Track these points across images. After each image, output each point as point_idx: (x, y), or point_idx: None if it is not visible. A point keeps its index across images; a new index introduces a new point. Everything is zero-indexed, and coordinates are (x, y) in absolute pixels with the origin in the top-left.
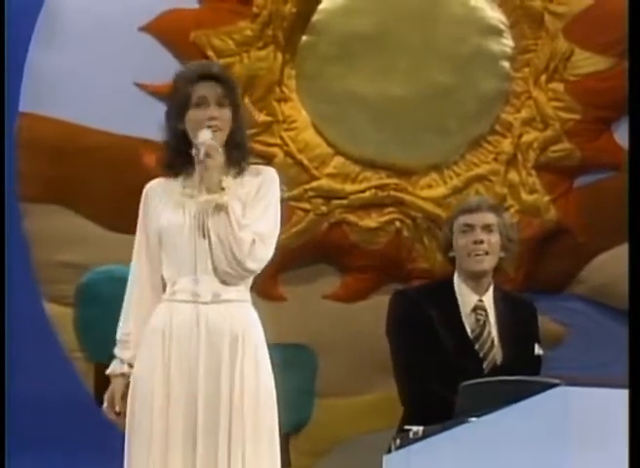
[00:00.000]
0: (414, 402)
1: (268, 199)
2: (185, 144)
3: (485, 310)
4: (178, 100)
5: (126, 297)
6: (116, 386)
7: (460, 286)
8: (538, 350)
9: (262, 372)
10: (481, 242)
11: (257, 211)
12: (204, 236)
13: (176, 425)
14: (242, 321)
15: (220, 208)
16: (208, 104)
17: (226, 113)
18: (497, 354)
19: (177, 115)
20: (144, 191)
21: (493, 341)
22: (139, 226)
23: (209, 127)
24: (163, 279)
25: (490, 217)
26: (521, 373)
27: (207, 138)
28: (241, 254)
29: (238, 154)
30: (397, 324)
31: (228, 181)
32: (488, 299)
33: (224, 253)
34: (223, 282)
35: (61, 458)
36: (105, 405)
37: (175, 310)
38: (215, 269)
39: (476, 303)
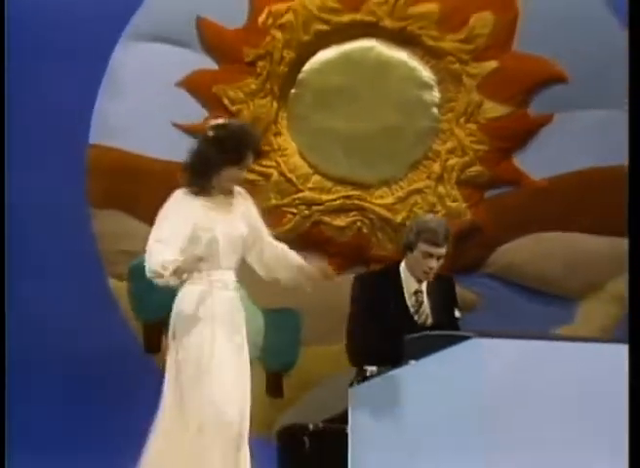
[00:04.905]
0: (358, 351)
1: (261, 220)
2: (210, 172)
3: (422, 292)
4: (228, 152)
5: (169, 233)
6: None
7: (405, 274)
8: (457, 313)
9: None
10: (433, 268)
11: (265, 230)
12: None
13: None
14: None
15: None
16: (244, 170)
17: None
18: (428, 320)
19: (220, 161)
20: (178, 193)
21: (427, 313)
22: (176, 211)
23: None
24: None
25: (443, 250)
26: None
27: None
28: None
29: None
30: (356, 298)
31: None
32: (424, 284)
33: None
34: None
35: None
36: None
37: (215, 295)
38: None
39: (416, 288)
